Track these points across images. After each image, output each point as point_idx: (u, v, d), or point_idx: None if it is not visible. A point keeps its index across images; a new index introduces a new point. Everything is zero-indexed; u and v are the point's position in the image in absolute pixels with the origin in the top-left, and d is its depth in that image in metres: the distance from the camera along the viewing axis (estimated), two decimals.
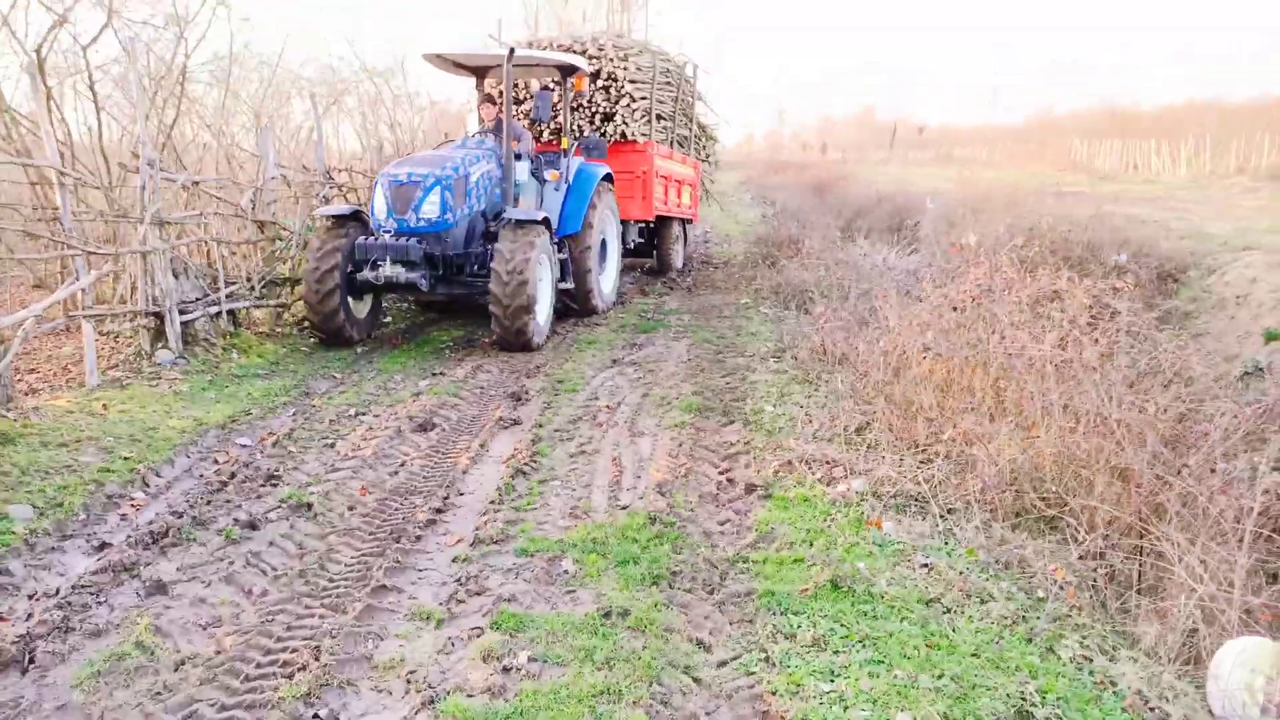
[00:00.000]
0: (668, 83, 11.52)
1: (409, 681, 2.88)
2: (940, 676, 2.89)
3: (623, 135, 10.65)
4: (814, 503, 4.27)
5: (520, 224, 7.55)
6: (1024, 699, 2.81)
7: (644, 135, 10.86)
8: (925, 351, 4.78)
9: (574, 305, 9.03)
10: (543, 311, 7.68)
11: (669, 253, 12.62)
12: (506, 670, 2.92)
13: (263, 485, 4.56)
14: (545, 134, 10.72)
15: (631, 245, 11.39)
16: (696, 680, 2.91)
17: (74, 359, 6.56)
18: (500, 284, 7.18)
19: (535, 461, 4.97)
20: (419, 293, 7.63)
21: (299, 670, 2.89)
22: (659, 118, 11.34)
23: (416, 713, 2.72)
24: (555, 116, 9.93)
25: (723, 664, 3.01)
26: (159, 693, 2.81)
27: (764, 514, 4.19)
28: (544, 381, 6.68)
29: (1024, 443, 4.00)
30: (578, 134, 10.40)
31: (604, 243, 9.39)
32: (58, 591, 3.41)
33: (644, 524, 4.06)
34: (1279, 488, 3.56)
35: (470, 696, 2.78)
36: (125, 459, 4.68)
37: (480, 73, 9.35)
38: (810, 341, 6.90)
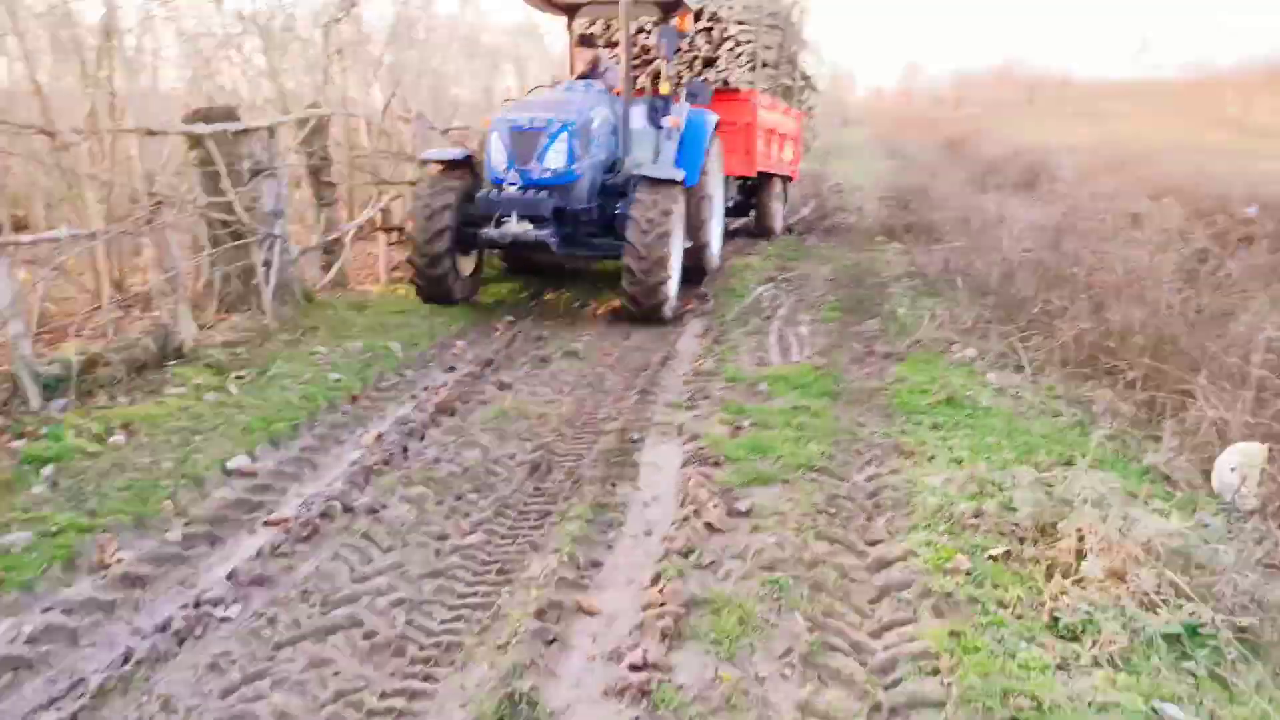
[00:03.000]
0: (774, 25, 10.86)
1: (679, 430, 4.85)
2: (1015, 445, 4.62)
3: (724, 83, 10.16)
4: (935, 364, 6.01)
5: (656, 182, 7.15)
6: (1070, 457, 4.51)
7: (748, 83, 10.34)
8: (1026, 252, 6.41)
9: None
10: (675, 279, 7.30)
11: (769, 212, 11.99)
12: (736, 428, 4.84)
13: (538, 342, 6.66)
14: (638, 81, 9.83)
15: (730, 204, 10.78)
16: (855, 436, 4.75)
17: (359, 264, 8.85)
18: (636, 249, 6.78)
19: (722, 337, 6.87)
20: (548, 252, 7.16)
21: (612, 423, 4.91)
22: (764, 64, 10.72)
23: (687, 443, 4.68)
24: (678, 53, 9.32)
25: (872, 432, 4.83)
26: (526, 436, 4.84)
27: (898, 369, 5.96)
28: (714, 291, 8.56)
29: (1095, 318, 5.63)
30: (677, 80, 9.69)
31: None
32: (444, 384, 5.56)
33: (810, 370, 5.91)
34: (1272, 343, 5.09)
35: (717, 437, 4.71)
36: (440, 323, 6.87)
37: (570, 11, 8.75)
38: (936, 263, 8.53)
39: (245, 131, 5.95)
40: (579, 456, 4.49)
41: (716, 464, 4.34)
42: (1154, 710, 2.56)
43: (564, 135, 6.96)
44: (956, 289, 7.71)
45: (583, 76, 8.05)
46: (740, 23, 10.21)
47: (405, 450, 4.53)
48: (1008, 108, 50.44)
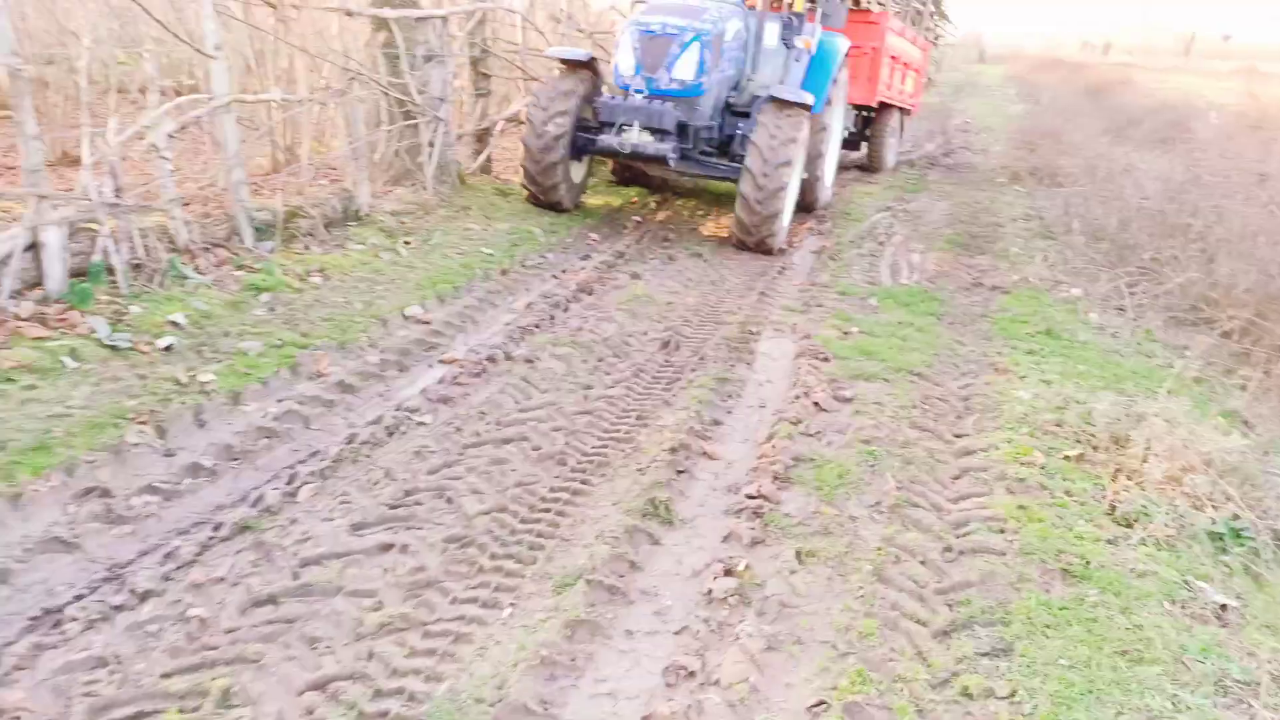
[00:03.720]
0: None
1: (791, 329, 5.41)
2: (1104, 374, 5.02)
3: (855, 1, 9.63)
4: (1040, 299, 6.36)
5: (782, 105, 6.85)
6: (1156, 389, 4.89)
7: (880, 5, 9.87)
8: (1144, 200, 6.62)
9: None
10: (788, 212, 7.12)
11: (882, 147, 11.44)
12: (845, 333, 5.37)
13: (664, 242, 7.24)
14: None
15: (845, 133, 10.12)
16: (954, 351, 5.22)
17: (502, 155, 9.51)
18: (754, 178, 6.58)
19: (837, 255, 7.32)
20: (664, 166, 6.98)
21: (733, 316, 5.49)
22: None
23: (799, 341, 5.23)
24: None
25: (971, 350, 5.29)
26: (656, 319, 5.46)
27: (1003, 300, 6.34)
28: (831, 215, 8.95)
29: (1204, 269, 5.89)
30: None
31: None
32: (581, 268, 6.22)
33: (919, 292, 6.35)
34: None
35: (828, 338, 5.24)
36: (575, 215, 7.52)
37: None
38: (1056, 207, 8.71)
39: (424, 19, 6.58)
40: (703, 339, 5.10)
41: (825, 359, 4.90)
42: (1186, 583, 3.07)
43: (695, 45, 6.75)
44: (1071, 232, 7.93)
45: None
46: None
47: (552, 318, 5.22)
48: (1161, 57, 47.64)
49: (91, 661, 2.29)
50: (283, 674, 2.30)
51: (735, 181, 6.86)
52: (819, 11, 7.92)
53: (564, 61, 7.37)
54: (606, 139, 6.90)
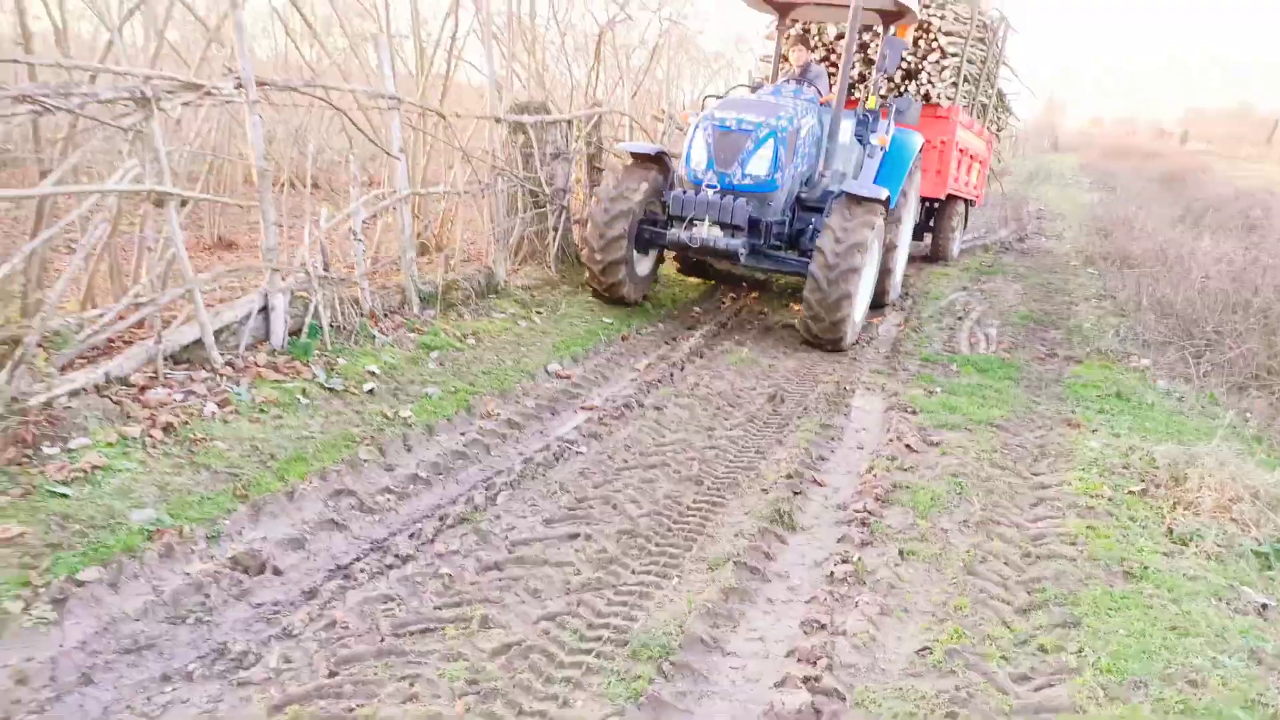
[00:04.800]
0: (980, 39, 10.55)
1: (882, 388, 6.17)
2: (1169, 430, 5.65)
3: (926, 97, 9.99)
4: (1111, 368, 7.02)
5: (857, 200, 6.89)
6: (1229, 469, 5.50)
7: (949, 99, 10.13)
8: (1205, 279, 7.28)
9: None
10: (861, 305, 7.14)
11: (948, 238, 11.76)
12: (930, 393, 6.11)
13: (760, 314, 8.12)
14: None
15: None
16: (1030, 410, 5.92)
17: None
18: (823, 270, 6.56)
19: (919, 329, 8.10)
20: (734, 261, 7.07)
21: (829, 376, 6.29)
22: (968, 79, 10.54)
23: (888, 398, 5.99)
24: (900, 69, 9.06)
25: (1045, 409, 5.97)
26: (762, 377, 6.29)
27: (1075, 369, 7.01)
28: (911, 293, 9.74)
29: (1264, 340, 6.50)
30: (885, 94, 9.34)
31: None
32: (690, 336, 7.12)
33: (996, 360, 7.07)
34: None
35: (914, 396, 5.99)
36: (680, 291, 8.47)
37: (784, 9, 8.60)
38: (1127, 287, 9.37)
39: (552, 122, 7.73)
40: (804, 395, 5.92)
41: (913, 412, 5.66)
42: (1231, 587, 3.71)
43: (770, 141, 6.82)
44: (1140, 309, 8.57)
45: (790, 80, 7.92)
46: (948, 34, 9.98)
47: (671, 376, 6.10)
48: (1242, 144, 47.74)
49: (381, 598, 3.15)
50: (519, 611, 3.13)
51: (804, 275, 6.88)
52: (892, 108, 8.14)
53: (633, 155, 7.51)
54: (676, 233, 6.97)
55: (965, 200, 12.25)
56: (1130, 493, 4.51)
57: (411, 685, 2.68)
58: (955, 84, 10.15)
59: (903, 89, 10.08)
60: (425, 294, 6.38)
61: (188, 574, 3.18)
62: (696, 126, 7.14)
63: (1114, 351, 7.49)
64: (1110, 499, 4.42)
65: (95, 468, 3.68)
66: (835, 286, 6.59)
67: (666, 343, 7.00)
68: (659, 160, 7.43)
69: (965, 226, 13.10)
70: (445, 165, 7.09)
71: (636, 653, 2.92)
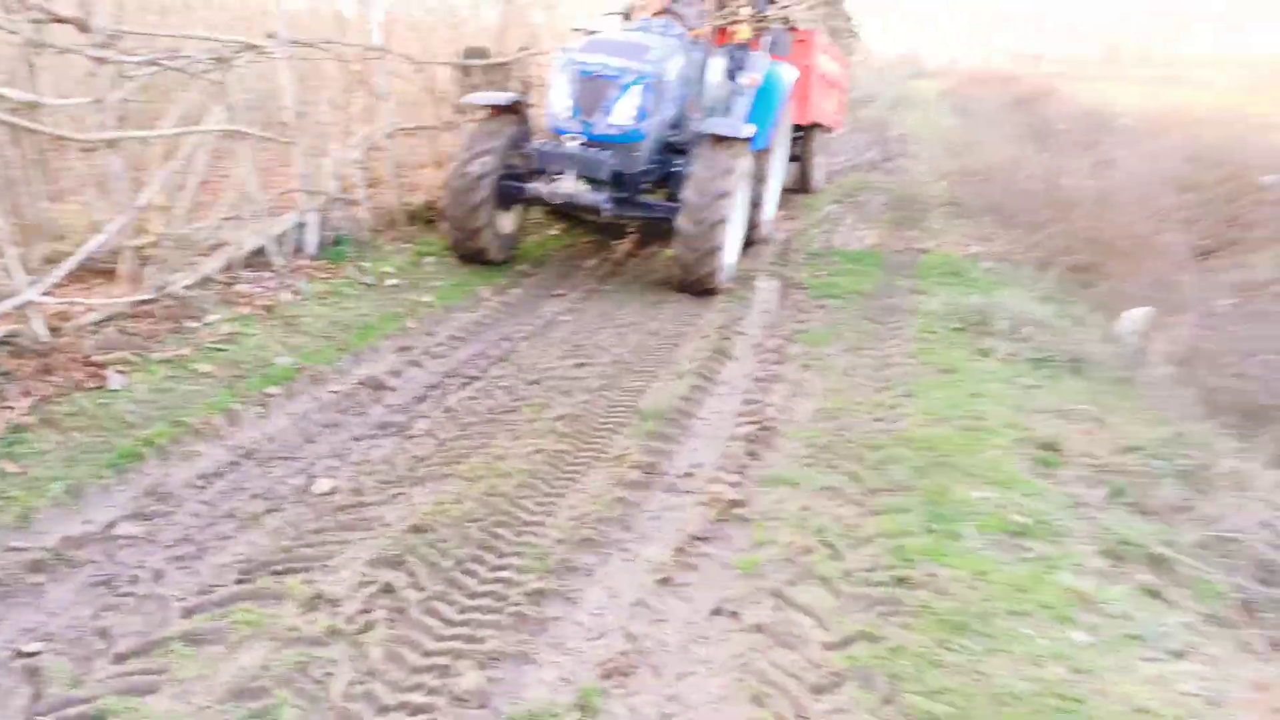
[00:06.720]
0: None
1: (779, 274, 8.10)
2: (989, 294, 7.75)
3: (785, 20, 9.49)
4: (951, 255, 9.15)
5: (722, 140, 6.80)
6: (1021, 312, 7.64)
7: (810, 22, 10.00)
8: (1029, 178, 9.51)
9: None
10: (733, 249, 7.17)
11: (813, 166, 11.78)
12: (815, 275, 8.06)
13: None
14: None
15: None
16: (890, 284, 7.95)
17: None
18: (690, 219, 6.51)
19: (804, 233, 10.08)
20: (597, 216, 6.96)
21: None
22: (823, 2, 10.47)
23: (783, 281, 7.92)
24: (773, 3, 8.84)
25: (901, 283, 8.01)
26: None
27: (924, 258, 9.12)
28: (792, 207, 11.72)
29: (1067, 227, 8.76)
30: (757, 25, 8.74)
31: None
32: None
33: (866, 250, 9.11)
34: (1168, 246, 8.19)
35: (803, 278, 7.93)
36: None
37: None
38: (971, 194, 11.62)
39: (496, 65, 9.23)
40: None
41: (804, 288, 7.60)
42: (1013, 380, 5.78)
43: (637, 88, 6.59)
44: (978, 211, 10.81)
45: (660, 13, 7.68)
46: None
47: (624, 265, 7.85)
48: (1088, 67, 52.03)
49: (469, 398, 4.86)
50: (561, 401, 4.89)
51: (672, 221, 6.72)
52: (766, 40, 8.11)
53: (489, 107, 7.16)
54: (537, 187, 6.77)
55: (825, 129, 12.31)
56: (952, 329, 6.58)
57: (515, 435, 4.43)
58: (812, 6, 10.05)
59: (771, 20, 9.48)
60: (409, 212, 7.89)
61: (334, 390, 4.80)
62: (560, 70, 6.84)
63: (955, 243, 9.66)
64: (937, 333, 6.48)
65: (233, 334, 5.22)
66: (703, 240, 6.60)
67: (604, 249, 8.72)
68: (515, 109, 7.17)
69: (828, 153, 13.28)
70: (413, 104, 8.52)
71: (644, 415, 4.74)
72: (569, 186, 6.68)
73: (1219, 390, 6.34)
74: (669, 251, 6.99)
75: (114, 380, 4.32)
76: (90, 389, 4.21)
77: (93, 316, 4.83)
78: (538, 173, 6.83)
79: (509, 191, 6.94)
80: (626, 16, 8.24)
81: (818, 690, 2.83)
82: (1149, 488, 4.53)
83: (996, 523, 3.82)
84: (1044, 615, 3.23)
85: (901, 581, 3.36)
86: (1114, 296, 8.01)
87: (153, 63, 5.18)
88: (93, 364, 4.38)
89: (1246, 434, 5.72)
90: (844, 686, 2.83)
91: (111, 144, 5.01)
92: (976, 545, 3.66)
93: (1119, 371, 6.25)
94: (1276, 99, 30.87)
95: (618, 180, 6.83)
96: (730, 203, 6.64)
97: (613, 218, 7.11)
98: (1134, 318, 7.55)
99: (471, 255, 7.11)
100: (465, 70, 8.99)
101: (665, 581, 3.33)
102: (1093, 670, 2.98)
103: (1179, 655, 3.15)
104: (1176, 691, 2.94)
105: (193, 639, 2.76)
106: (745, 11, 8.25)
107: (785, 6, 9.71)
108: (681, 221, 6.58)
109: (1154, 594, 3.59)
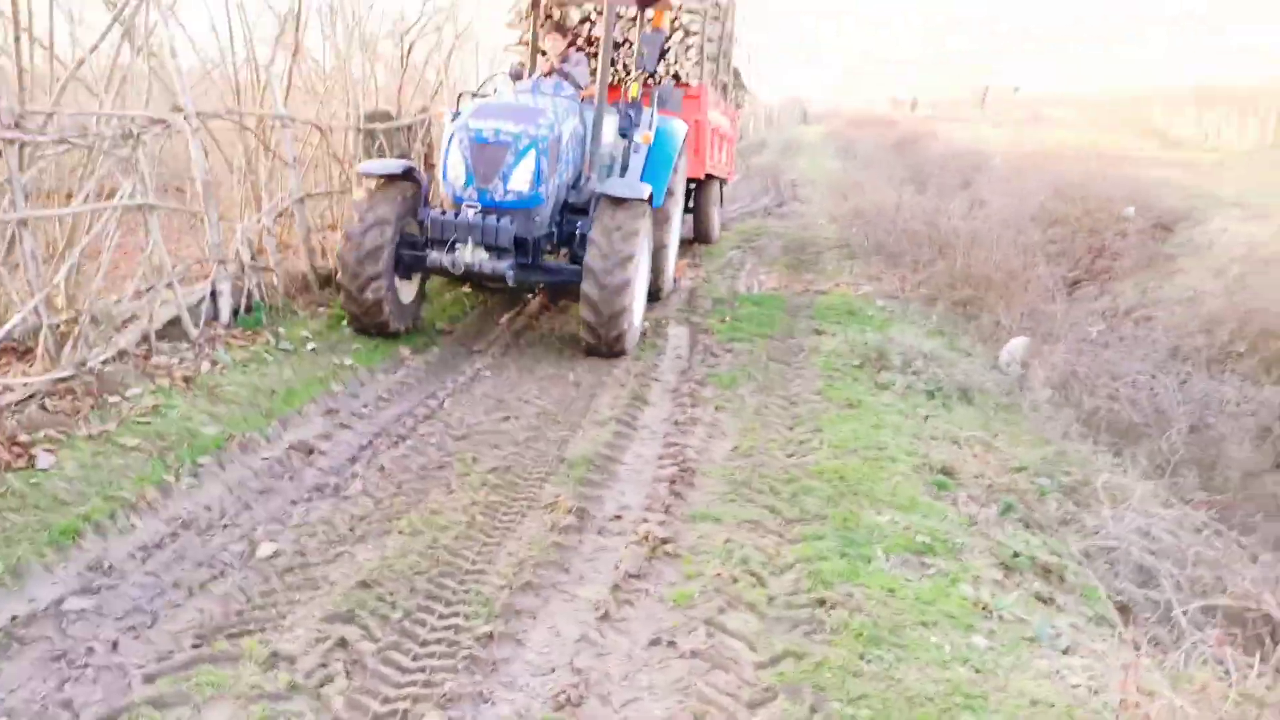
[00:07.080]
0: (716, 17, 10.87)
1: (687, 320, 8.49)
2: (884, 331, 8.30)
3: (675, 77, 9.95)
4: (846, 295, 9.74)
5: (619, 202, 6.84)
6: (913, 346, 8.20)
7: (697, 78, 10.30)
8: (908, 224, 10.22)
9: None
10: (639, 310, 7.23)
11: (709, 218, 12.16)
12: (722, 321, 8.48)
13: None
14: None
15: None
16: (791, 326, 8.42)
17: None
18: (595, 284, 6.53)
19: (709, 278, 10.54)
20: (501, 283, 6.97)
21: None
22: (709, 59, 10.66)
23: (693, 328, 8.31)
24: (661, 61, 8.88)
25: (803, 324, 8.50)
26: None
27: (822, 299, 9.67)
28: (696, 255, 12.22)
29: (947, 265, 9.43)
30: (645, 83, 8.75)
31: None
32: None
33: (768, 294, 9.61)
34: (1040, 279, 8.92)
35: (711, 324, 8.33)
36: None
37: None
38: (859, 235, 12.34)
39: (397, 128, 9.45)
40: None
41: (712, 333, 8.00)
42: (909, 412, 6.25)
43: (532, 152, 6.57)
44: (865, 251, 11.50)
45: (549, 73, 7.76)
46: (691, 11, 10.08)
47: (537, 319, 8.11)
48: (963, 108, 55.20)
49: (402, 456, 5.02)
50: (491, 454, 5.10)
51: (578, 283, 6.72)
52: (654, 96, 8.17)
53: (381, 178, 7.01)
54: (437, 257, 6.72)
55: (720, 180, 12.66)
56: (852, 365, 7.06)
57: (449, 490, 4.61)
58: (699, 63, 10.41)
59: (660, 78, 9.79)
60: (322, 276, 8.00)
61: (265, 457, 4.91)
62: (452, 137, 6.81)
63: (849, 283, 10.27)
64: (839, 370, 6.94)
65: (156, 406, 5.25)
66: (609, 304, 6.62)
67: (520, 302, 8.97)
68: (409, 177, 7.08)
69: (722, 203, 13.55)
70: (318, 167, 8.65)
71: (571, 464, 4.99)
72: (470, 256, 6.68)
73: (1094, 411, 6.99)
74: (578, 309, 6.99)
75: (42, 459, 4.34)
76: (19, 469, 4.22)
77: (11, 396, 4.82)
78: (438, 241, 6.82)
79: (408, 261, 6.91)
80: (517, 78, 8.36)
81: (752, 705, 3.11)
82: (1036, 504, 5.02)
83: (902, 543, 4.20)
84: (948, 624, 3.60)
85: (821, 603, 3.68)
86: (995, 328, 8.68)
87: (62, 140, 5.24)
88: (19, 444, 4.39)
89: (1121, 450, 6.34)
90: (775, 701, 3.12)
91: (23, 223, 5.04)
92: (886, 565, 4.02)
93: (1004, 398, 6.83)
94: (1124, 134, 33.51)
95: (519, 246, 6.84)
96: (634, 265, 6.67)
97: (519, 283, 7.12)
98: (1013, 347, 8.21)
99: (372, 328, 6.97)
100: (369, 133, 9.18)
101: (605, 617, 3.58)
102: (993, 670, 3.34)
103: (1067, 652, 3.55)
104: (1066, 684, 3.32)
105: (158, 703, 2.87)
106: (634, 71, 8.44)
107: (673, 64, 10.25)
108: (587, 288, 6.60)
109: (1045, 600, 4.02)
